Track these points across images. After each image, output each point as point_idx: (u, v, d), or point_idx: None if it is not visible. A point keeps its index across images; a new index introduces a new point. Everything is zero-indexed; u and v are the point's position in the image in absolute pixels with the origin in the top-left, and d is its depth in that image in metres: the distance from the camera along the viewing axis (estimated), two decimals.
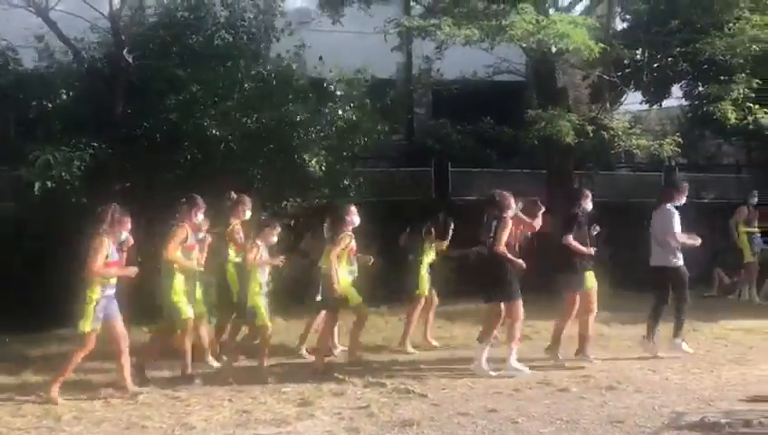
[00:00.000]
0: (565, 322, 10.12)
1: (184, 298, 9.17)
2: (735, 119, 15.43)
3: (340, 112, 13.48)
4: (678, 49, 16.52)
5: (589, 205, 10.36)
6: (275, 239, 9.60)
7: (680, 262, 10.23)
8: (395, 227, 11.65)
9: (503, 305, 9.42)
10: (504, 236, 9.35)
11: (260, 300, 9.30)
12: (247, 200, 10.21)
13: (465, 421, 7.45)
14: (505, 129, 17.31)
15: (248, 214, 10.14)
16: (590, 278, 10.03)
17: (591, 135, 15.45)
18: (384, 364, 9.88)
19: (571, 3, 17.48)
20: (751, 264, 15.63)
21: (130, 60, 12.49)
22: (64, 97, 12.82)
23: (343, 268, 9.87)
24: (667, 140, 16.36)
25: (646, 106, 20.89)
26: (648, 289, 10.85)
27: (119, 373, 8.62)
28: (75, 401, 8.34)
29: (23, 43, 13.21)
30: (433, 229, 11.08)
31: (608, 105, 16.76)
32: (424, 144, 19.63)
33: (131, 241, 8.82)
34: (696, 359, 10.06)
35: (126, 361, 8.62)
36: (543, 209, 10.69)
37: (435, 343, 11.25)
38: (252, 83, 13.25)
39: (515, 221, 9.87)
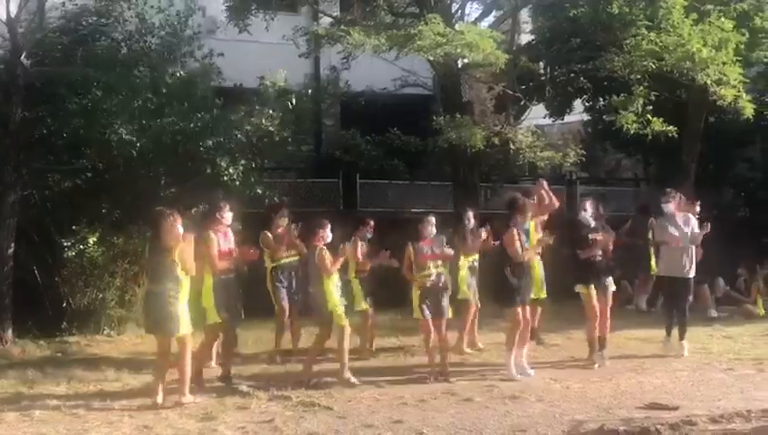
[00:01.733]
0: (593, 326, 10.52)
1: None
2: (635, 129, 15.91)
3: (257, 120, 13.37)
4: (579, 65, 16.97)
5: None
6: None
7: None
8: (304, 237, 11.55)
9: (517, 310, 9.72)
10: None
11: (339, 301, 9.37)
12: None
13: (370, 433, 7.44)
14: (412, 139, 17.46)
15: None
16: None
17: (498, 144, 15.72)
18: (290, 376, 9.76)
19: (477, 18, 17.79)
20: (651, 275, 16.09)
21: (27, 65, 12.11)
22: None
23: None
24: (570, 150, 16.76)
25: (549, 120, 21.39)
26: (557, 300, 11.23)
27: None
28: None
29: None
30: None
31: (512, 119, 17.08)
32: (332, 155, 19.61)
33: None
34: (595, 368, 10.29)
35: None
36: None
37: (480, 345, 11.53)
38: (157, 89, 13.02)
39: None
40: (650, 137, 16.05)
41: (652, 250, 15.93)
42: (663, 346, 11.31)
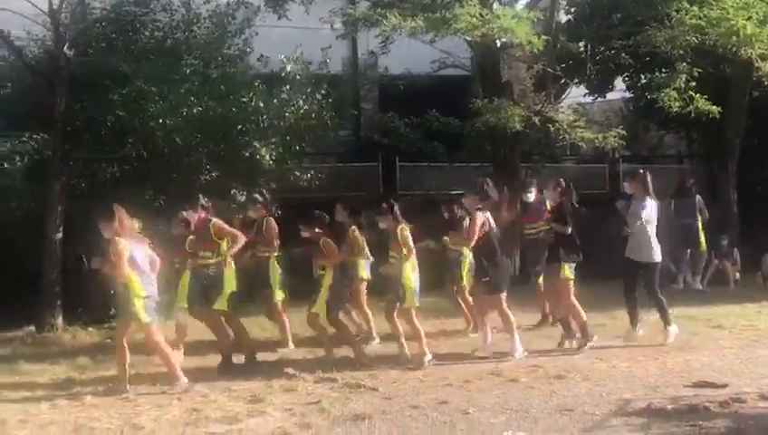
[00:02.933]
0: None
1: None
2: (678, 107, 15.69)
3: (293, 102, 13.41)
4: (620, 42, 16.75)
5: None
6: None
7: None
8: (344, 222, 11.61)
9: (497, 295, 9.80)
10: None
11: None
12: None
13: (416, 414, 7.47)
14: (451, 121, 17.38)
15: None
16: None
17: (538, 124, 15.60)
18: (335, 359, 9.84)
19: None
20: (702, 253, 15.94)
21: (71, 55, 12.27)
22: (7, 92, 12.61)
23: None
24: (611, 132, 16.57)
25: (590, 99, 21.16)
26: (591, 280, 11.05)
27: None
28: (21, 403, 8.18)
29: None
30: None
31: (552, 98, 16.92)
32: (371, 139, 19.64)
33: None
34: (641, 347, 10.22)
35: None
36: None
37: None
38: (199, 76, 13.13)
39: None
40: (693, 115, 15.84)
41: (701, 228, 15.83)
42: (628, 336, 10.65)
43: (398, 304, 9.63)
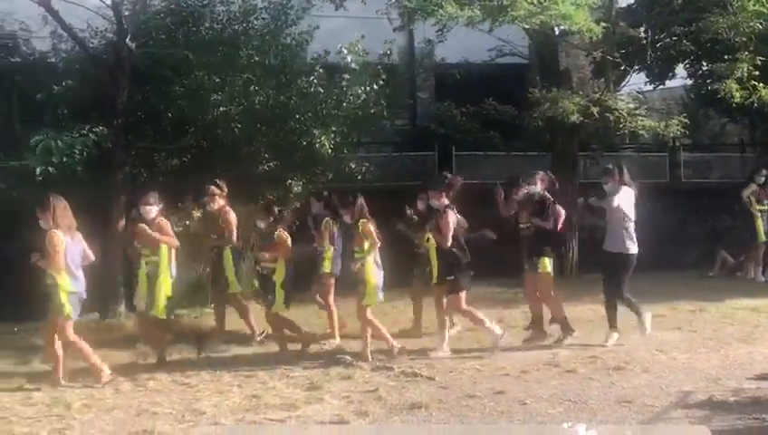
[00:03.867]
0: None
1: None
2: (740, 97, 15.36)
3: (351, 92, 13.45)
4: (682, 28, 16.42)
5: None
6: None
7: None
8: (399, 212, 11.63)
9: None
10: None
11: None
12: None
13: (473, 403, 7.49)
14: (508, 109, 17.26)
15: None
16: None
17: (596, 116, 15.41)
18: (296, 353, 9.72)
19: None
20: (760, 243, 15.61)
21: (133, 47, 12.49)
22: (70, 84, 12.88)
23: None
24: (673, 120, 16.28)
25: (650, 86, 20.82)
26: (651, 270, 10.81)
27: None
28: (85, 388, 8.39)
29: (27, 30, 13.23)
30: None
31: (611, 86, 16.68)
32: (427, 128, 19.61)
33: None
34: (703, 338, 10.07)
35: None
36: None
37: None
38: (258, 66, 13.25)
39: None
40: (755, 105, 15.50)
41: (759, 219, 15.50)
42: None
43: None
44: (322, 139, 12.95)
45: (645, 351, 9.44)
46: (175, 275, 9.54)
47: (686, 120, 16.37)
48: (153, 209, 9.45)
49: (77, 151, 11.81)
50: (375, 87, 13.89)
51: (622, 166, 10.30)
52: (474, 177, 18.34)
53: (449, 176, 10.23)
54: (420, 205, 10.79)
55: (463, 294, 9.58)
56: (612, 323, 9.94)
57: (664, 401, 7.34)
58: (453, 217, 9.50)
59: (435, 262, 9.69)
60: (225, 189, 10.49)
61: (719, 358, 9.01)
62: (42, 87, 12.95)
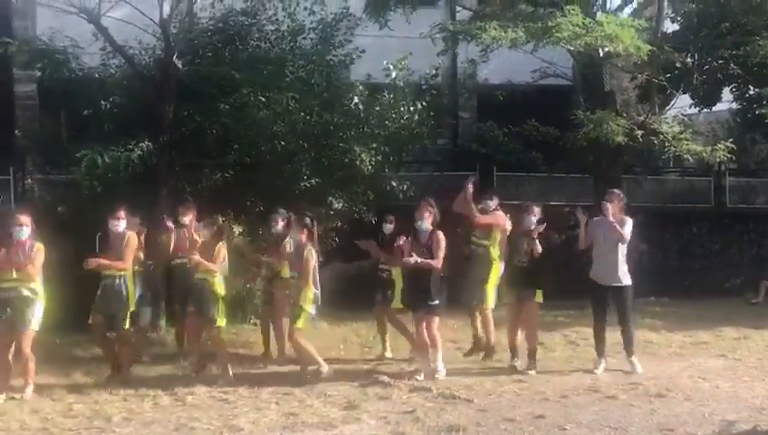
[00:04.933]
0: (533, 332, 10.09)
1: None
2: None
3: (394, 110, 13.47)
4: (729, 51, 16.28)
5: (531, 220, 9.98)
6: None
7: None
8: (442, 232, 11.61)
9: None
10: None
11: None
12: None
13: (511, 427, 7.42)
14: (551, 131, 17.20)
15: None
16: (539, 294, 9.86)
17: (641, 139, 15.28)
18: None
19: (619, 6, 17.35)
20: None
21: (180, 65, 12.66)
22: (117, 100, 13.08)
23: None
24: (719, 145, 16.09)
25: (695, 109, 20.60)
26: (695, 296, 10.61)
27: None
28: (125, 401, 8.46)
29: (77, 46, 13.46)
30: None
31: (656, 109, 16.55)
32: (469, 148, 19.58)
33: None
34: (747, 367, 9.90)
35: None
36: None
37: None
38: (303, 85, 13.36)
39: None
40: None
41: None
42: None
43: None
44: (363, 156, 12.99)
45: (687, 378, 9.30)
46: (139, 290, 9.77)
47: (733, 146, 16.17)
48: (121, 223, 9.47)
49: (122, 166, 11.98)
50: (419, 106, 13.91)
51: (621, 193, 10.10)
52: (515, 197, 18.28)
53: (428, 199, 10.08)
54: (387, 228, 10.79)
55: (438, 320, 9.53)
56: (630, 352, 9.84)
57: (707, 430, 7.21)
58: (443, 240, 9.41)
59: (399, 284, 9.86)
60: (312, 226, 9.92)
61: (764, 387, 8.85)
62: (90, 102, 13.16)
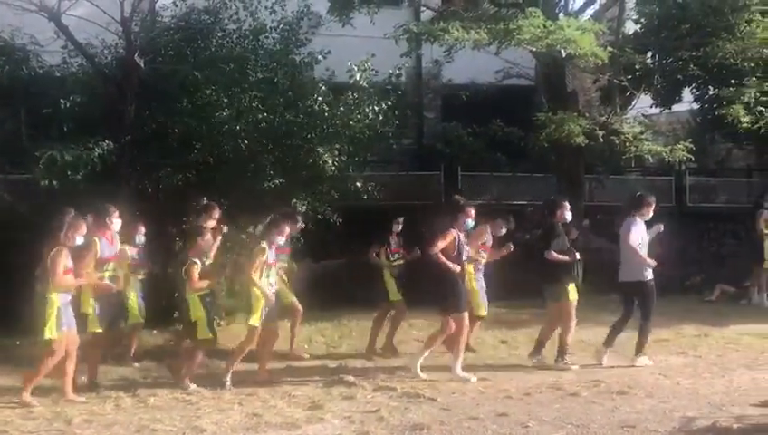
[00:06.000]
0: (550, 330, 10.24)
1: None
2: (747, 122, 15.38)
3: (359, 111, 13.47)
4: (689, 53, 16.48)
5: (568, 215, 10.20)
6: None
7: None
8: (405, 231, 11.64)
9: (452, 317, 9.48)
10: (441, 243, 9.39)
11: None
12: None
13: (475, 425, 7.44)
14: (515, 131, 17.31)
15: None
16: (573, 291, 10.03)
17: (602, 139, 15.43)
18: (394, 368, 9.86)
19: (581, 7, 17.50)
20: (763, 269, 15.53)
21: (141, 63, 12.55)
22: (78, 99, 12.94)
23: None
24: (678, 145, 16.30)
25: (656, 110, 20.83)
26: (657, 294, 10.77)
27: (62, 377, 8.65)
28: (86, 404, 8.37)
29: (37, 44, 13.31)
30: None
31: (618, 109, 16.71)
32: (434, 148, 19.63)
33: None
34: (707, 364, 10.04)
35: (71, 367, 8.64)
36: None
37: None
38: (266, 84, 13.30)
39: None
40: (762, 131, 15.52)
41: (766, 243, 15.43)
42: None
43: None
44: (326, 157, 12.97)
45: (649, 375, 9.40)
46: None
47: (692, 145, 16.39)
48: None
49: (81, 165, 11.84)
50: (383, 107, 13.91)
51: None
52: (479, 197, 18.37)
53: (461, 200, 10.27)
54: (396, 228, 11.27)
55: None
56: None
57: (667, 427, 7.28)
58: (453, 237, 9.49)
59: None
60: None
61: (723, 384, 8.97)
62: (50, 101, 13.00)
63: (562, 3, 17.27)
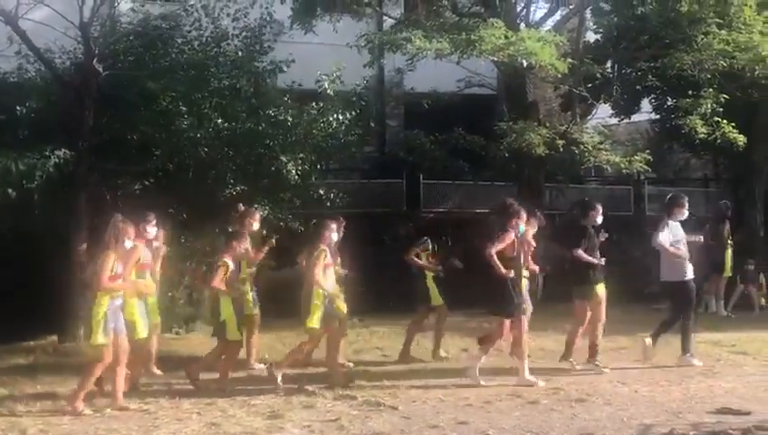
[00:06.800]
0: (576, 331, 10.39)
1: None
2: (704, 133, 15.62)
3: (323, 119, 13.45)
4: (647, 63, 16.73)
5: (599, 218, 10.42)
6: None
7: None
8: (367, 238, 11.64)
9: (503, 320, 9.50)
10: (500, 245, 9.37)
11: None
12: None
13: (435, 434, 7.43)
14: (477, 139, 17.42)
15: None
16: (601, 289, 10.23)
17: (562, 149, 15.58)
18: (354, 377, 9.82)
19: (542, 18, 17.68)
20: (723, 277, 15.74)
21: (101, 69, 12.41)
22: (34, 105, 12.76)
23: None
24: (636, 156, 16.51)
25: (616, 120, 21.10)
26: (616, 302, 10.93)
27: (112, 385, 8.53)
28: (41, 414, 8.22)
29: None
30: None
31: (578, 118, 16.89)
32: (396, 156, 19.68)
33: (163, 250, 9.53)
34: (664, 371, 10.12)
35: (122, 373, 8.53)
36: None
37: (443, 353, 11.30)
38: (227, 92, 13.23)
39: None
40: (719, 141, 15.77)
41: (728, 252, 15.63)
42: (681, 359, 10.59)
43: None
44: (289, 166, 12.92)
45: (607, 383, 9.46)
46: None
47: (650, 157, 16.64)
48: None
49: (37, 174, 11.68)
50: (348, 115, 13.91)
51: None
52: (441, 205, 18.47)
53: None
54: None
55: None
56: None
57: (625, 434, 7.34)
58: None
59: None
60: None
61: (680, 391, 9.04)
62: (4, 108, 12.80)
63: (523, 13, 17.44)
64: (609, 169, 17.81)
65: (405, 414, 8.12)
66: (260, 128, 13.06)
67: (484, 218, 14.71)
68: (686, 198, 10.78)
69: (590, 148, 16.03)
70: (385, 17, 18.19)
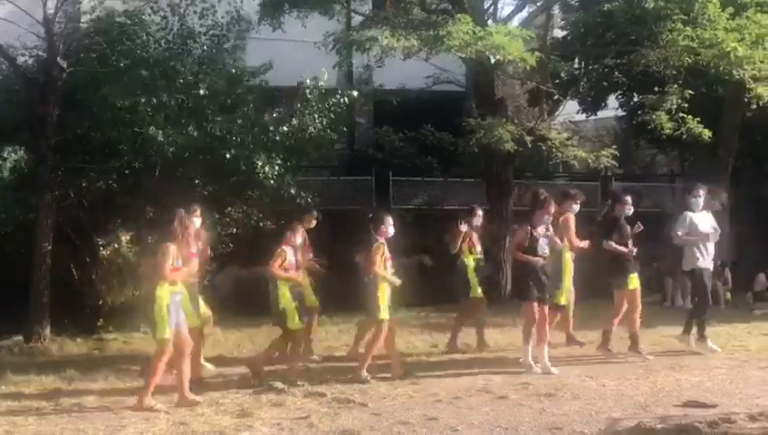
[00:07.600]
0: (614, 320, 10.72)
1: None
2: (670, 129, 15.75)
3: (297, 119, 13.39)
4: (614, 60, 16.86)
5: (629, 210, 10.79)
6: None
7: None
8: (337, 236, 11.61)
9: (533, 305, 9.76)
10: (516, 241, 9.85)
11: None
12: None
13: (405, 430, 7.43)
14: (445, 136, 17.44)
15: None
16: (635, 280, 10.63)
17: (530, 145, 15.64)
18: (325, 373, 9.80)
19: (510, 14, 17.72)
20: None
21: (65, 66, 12.25)
22: None
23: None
24: (603, 152, 16.63)
25: (583, 116, 21.23)
26: (587, 297, 11.10)
27: (177, 379, 8.47)
28: (7, 415, 8.11)
29: None
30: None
31: (546, 115, 16.97)
32: (365, 153, 19.66)
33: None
34: (632, 365, 10.20)
35: (186, 367, 8.46)
36: None
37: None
38: (194, 90, 13.11)
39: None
40: (684, 137, 15.92)
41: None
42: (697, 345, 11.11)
43: None
44: (266, 169, 12.79)
45: (575, 377, 9.51)
46: None
47: (617, 152, 16.76)
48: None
49: (3, 173, 11.53)
50: (323, 115, 13.87)
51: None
52: (411, 202, 18.47)
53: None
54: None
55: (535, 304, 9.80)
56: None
57: (593, 428, 7.37)
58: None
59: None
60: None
61: (648, 385, 9.12)
62: None
63: (491, 10, 17.49)
64: (576, 165, 17.92)
65: (375, 411, 8.11)
66: (230, 126, 12.90)
67: (454, 215, 14.81)
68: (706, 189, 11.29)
69: (557, 144, 16.12)
70: (354, 14, 18.13)
